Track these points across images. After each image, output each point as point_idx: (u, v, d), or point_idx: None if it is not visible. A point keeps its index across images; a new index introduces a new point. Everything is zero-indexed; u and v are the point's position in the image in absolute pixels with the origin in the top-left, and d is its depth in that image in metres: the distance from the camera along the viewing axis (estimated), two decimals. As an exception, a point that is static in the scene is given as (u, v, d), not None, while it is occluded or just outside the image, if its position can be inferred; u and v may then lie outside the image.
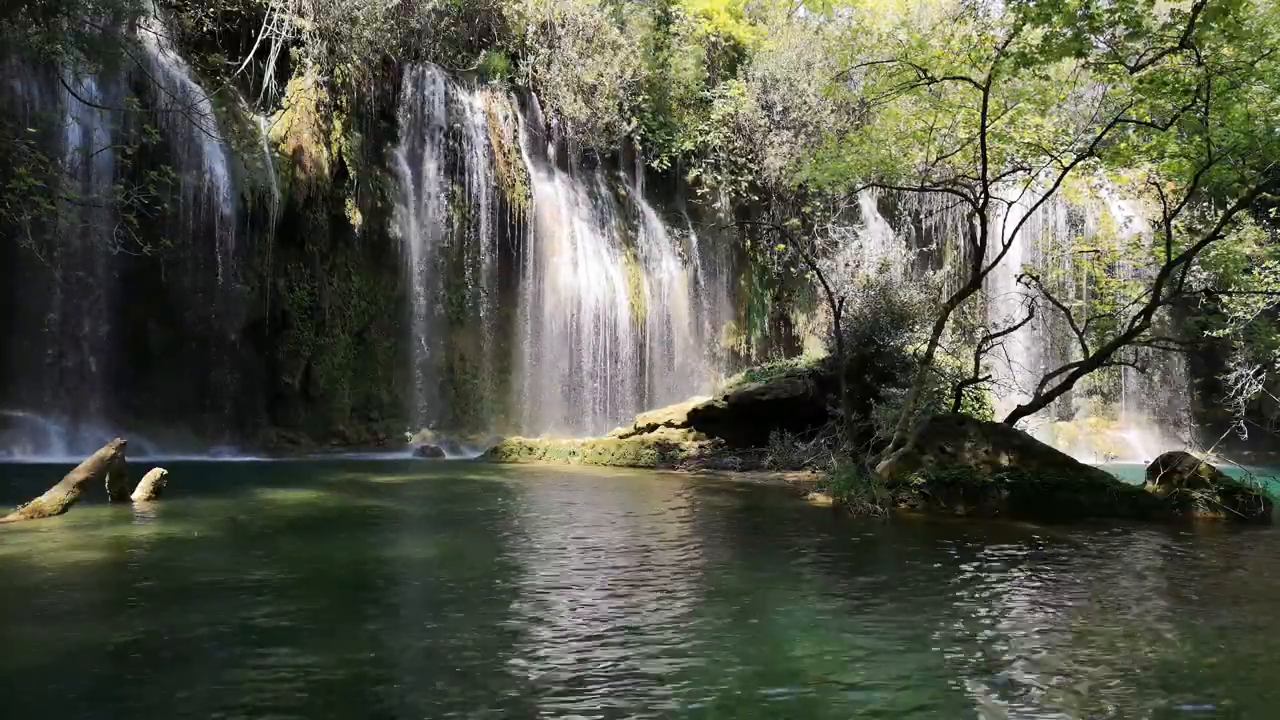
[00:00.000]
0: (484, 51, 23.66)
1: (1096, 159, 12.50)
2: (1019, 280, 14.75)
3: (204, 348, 18.04)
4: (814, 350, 24.47)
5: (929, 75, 12.17)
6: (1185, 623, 5.03)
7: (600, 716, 3.32)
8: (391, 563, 6.64)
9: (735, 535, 8.66)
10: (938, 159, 14.16)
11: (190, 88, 18.19)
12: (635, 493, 12.21)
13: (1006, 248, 13.08)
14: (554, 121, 24.55)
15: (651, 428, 18.37)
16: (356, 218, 20.64)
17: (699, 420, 17.98)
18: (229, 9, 19.45)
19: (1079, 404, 26.85)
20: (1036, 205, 14.09)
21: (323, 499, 10.38)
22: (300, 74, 20.27)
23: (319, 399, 20.07)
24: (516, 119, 23.83)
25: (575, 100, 24.13)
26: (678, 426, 18.06)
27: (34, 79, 15.67)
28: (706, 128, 26.15)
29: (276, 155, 19.36)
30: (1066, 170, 12.62)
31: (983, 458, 10.22)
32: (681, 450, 16.93)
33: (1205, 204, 16.89)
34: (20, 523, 7.46)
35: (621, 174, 26.42)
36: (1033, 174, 13.55)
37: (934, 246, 27.91)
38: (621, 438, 18.30)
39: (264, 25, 19.45)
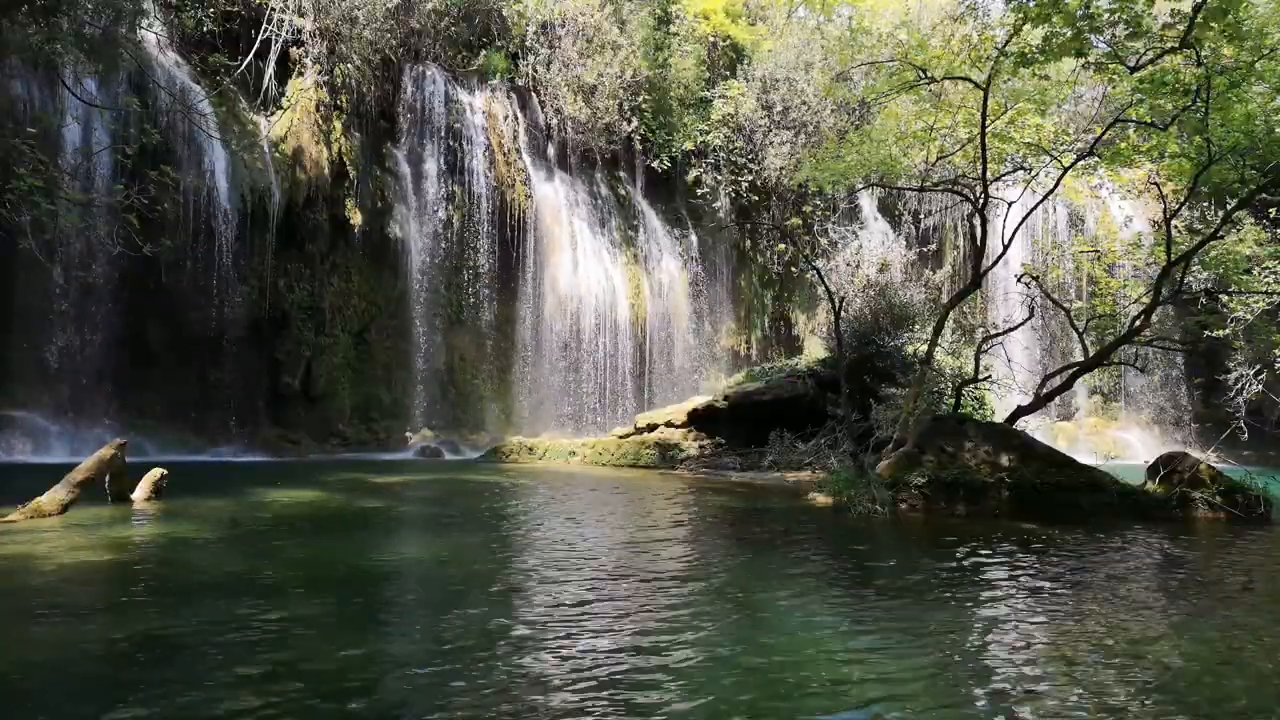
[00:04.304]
0: (484, 51, 23.65)
1: (1096, 159, 12.52)
2: (1019, 280, 14.77)
3: (204, 348, 18.02)
4: (814, 350, 24.48)
5: (929, 75, 12.19)
6: (1186, 623, 5.03)
7: (601, 718, 3.32)
8: (391, 563, 6.64)
9: (735, 535, 8.65)
10: (938, 159, 14.17)
11: (190, 88, 18.18)
12: (635, 493, 12.20)
13: (1006, 248, 13.10)
14: (554, 122, 24.54)
15: (651, 428, 18.37)
16: (356, 218, 20.64)
17: (699, 420, 17.98)
18: (229, 9, 19.43)
19: (1079, 404, 26.84)
20: (1036, 205, 14.11)
21: (323, 499, 10.38)
22: (300, 74, 20.26)
23: (319, 399, 20.07)
24: (516, 119, 23.82)
25: (575, 100, 24.13)
26: (678, 426, 18.06)
27: (34, 79, 15.66)
28: (706, 128, 26.14)
29: (276, 155, 19.36)
30: (1066, 170, 12.63)
31: (983, 458, 10.22)
32: (681, 450, 16.92)
33: (1205, 204, 16.87)
34: (20, 523, 7.46)
35: (621, 174, 26.41)
36: (1033, 174, 13.57)
37: (934, 246, 27.89)
38: (621, 438, 18.30)
39: (264, 25, 19.44)
